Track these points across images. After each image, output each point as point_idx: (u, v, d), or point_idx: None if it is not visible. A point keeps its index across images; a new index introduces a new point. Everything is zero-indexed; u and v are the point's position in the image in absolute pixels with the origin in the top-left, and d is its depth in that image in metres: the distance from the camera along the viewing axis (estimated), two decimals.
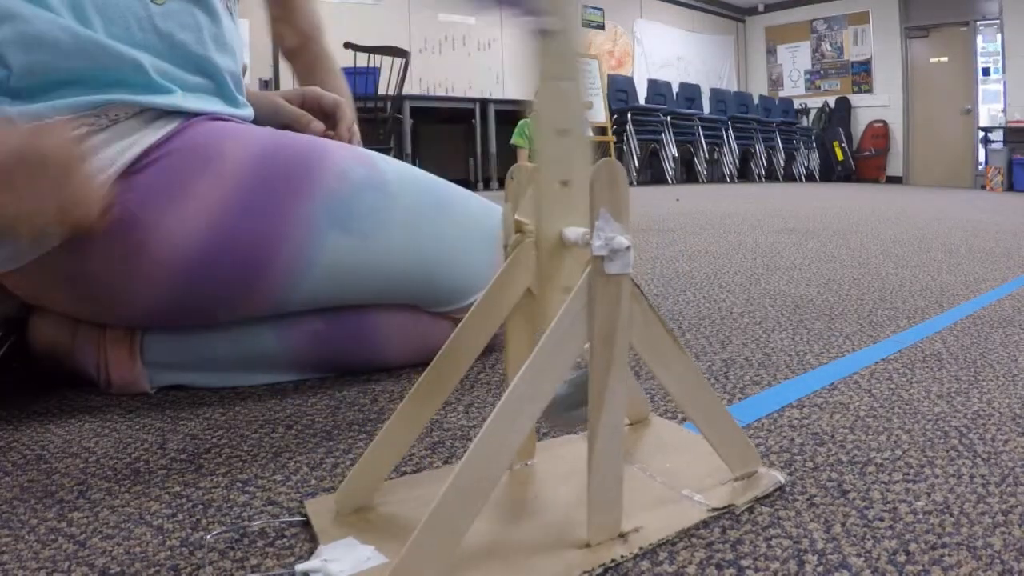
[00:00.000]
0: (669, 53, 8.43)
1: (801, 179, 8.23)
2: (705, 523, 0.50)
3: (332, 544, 0.47)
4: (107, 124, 0.70)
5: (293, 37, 1.06)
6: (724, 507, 0.52)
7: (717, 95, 8.46)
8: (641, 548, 0.47)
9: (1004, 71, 7.41)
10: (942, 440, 0.65)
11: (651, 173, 7.24)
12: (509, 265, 0.52)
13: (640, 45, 8.09)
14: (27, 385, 0.84)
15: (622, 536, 0.48)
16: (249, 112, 0.86)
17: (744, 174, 8.06)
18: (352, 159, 0.81)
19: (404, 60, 3.96)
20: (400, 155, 4.97)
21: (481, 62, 6.67)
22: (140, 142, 0.71)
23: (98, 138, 0.70)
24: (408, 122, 5.19)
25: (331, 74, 1.08)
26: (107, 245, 0.71)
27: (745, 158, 8.04)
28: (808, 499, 0.54)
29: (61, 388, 0.83)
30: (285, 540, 0.49)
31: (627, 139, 6.76)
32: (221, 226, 0.73)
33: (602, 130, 6.18)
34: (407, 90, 4.53)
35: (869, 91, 8.48)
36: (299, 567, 0.44)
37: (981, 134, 7.51)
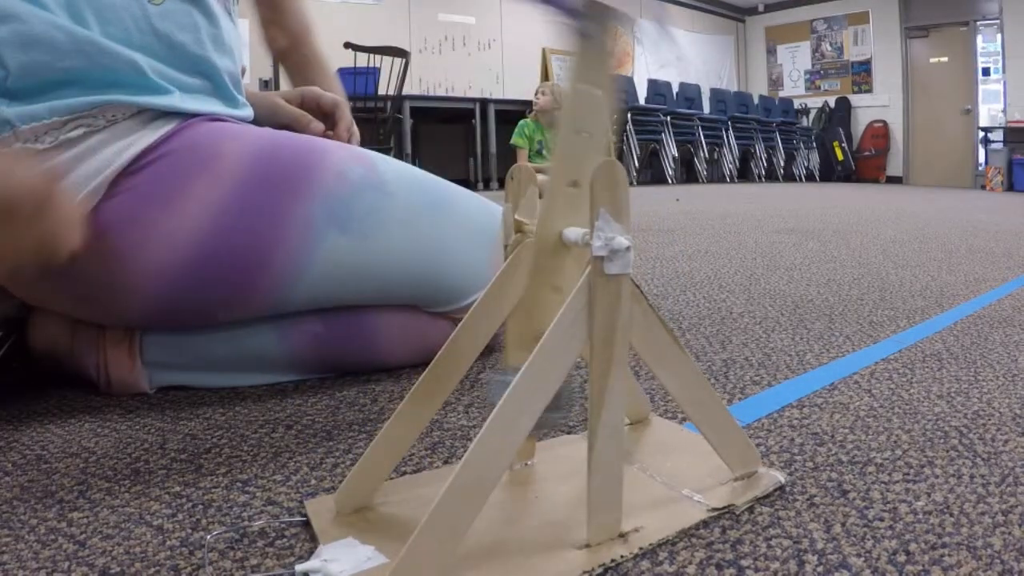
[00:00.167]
0: (669, 53, 8.41)
1: (801, 179, 8.23)
2: (705, 523, 0.50)
3: (332, 544, 0.47)
4: (105, 125, 0.70)
5: (283, 38, 1.06)
6: (724, 507, 0.52)
7: (717, 95, 8.45)
8: (641, 548, 0.47)
9: (1004, 71, 7.41)
10: (942, 440, 0.65)
11: (651, 173, 7.24)
12: (509, 265, 0.52)
13: (640, 45, 8.08)
14: (27, 385, 0.84)
15: (622, 536, 0.48)
16: (249, 112, 0.86)
17: (744, 174, 8.06)
18: (351, 159, 0.81)
19: (404, 60, 3.96)
20: (400, 155, 4.97)
21: (481, 62, 6.67)
22: (138, 143, 0.71)
23: (96, 139, 0.70)
24: (408, 122, 5.19)
25: (323, 74, 1.08)
26: (106, 246, 0.71)
27: (745, 158, 8.04)
28: (808, 499, 0.54)
29: (61, 388, 0.83)
30: (285, 540, 0.49)
31: (627, 139, 6.76)
32: (219, 226, 0.73)
33: None
34: (407, 90, 4.53)
35: (869, 91, 8.48)
36: (299, 567, 0.44)
37: (981, 134, 7.50)
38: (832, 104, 8.67)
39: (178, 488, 0.57)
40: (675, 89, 8.06)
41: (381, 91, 3.97)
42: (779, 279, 1.54)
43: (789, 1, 9.03)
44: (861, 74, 8.55)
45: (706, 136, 7.47)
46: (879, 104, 8.39)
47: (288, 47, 1.07)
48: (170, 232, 0.71)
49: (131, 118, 0.72)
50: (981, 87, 7.75)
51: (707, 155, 7.56)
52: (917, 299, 1.32)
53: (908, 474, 0.58)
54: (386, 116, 4.08)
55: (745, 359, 0.93)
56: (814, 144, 8.52)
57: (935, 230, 2.64)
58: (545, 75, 6.55)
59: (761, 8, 9.26)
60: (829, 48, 8.80)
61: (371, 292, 0.82)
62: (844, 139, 8.39)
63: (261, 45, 1.08)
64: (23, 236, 0.61)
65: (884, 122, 8.35)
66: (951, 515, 0.51)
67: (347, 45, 3.72)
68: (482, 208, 0.89)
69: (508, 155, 5.03)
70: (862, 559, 0.45)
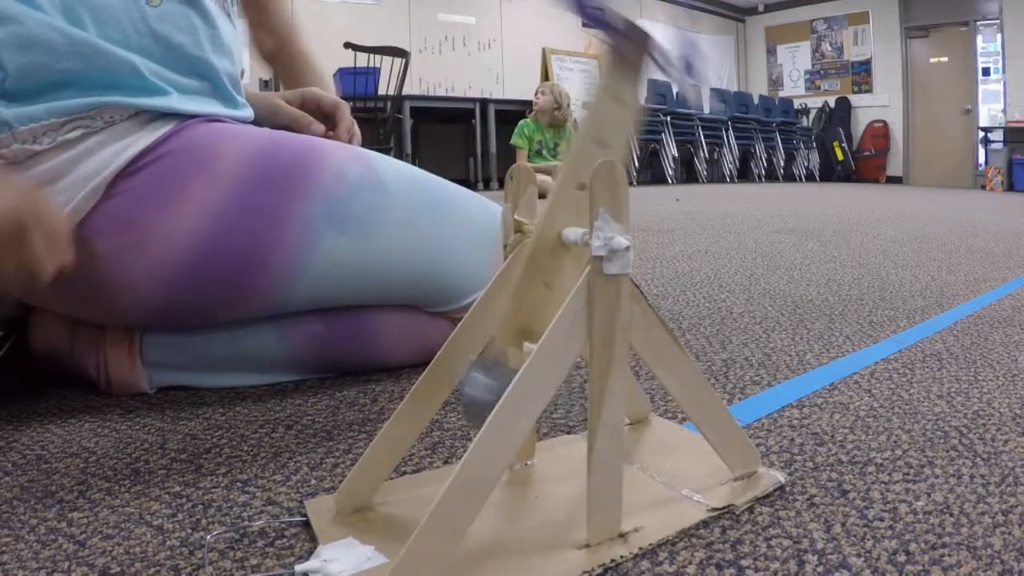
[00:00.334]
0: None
1: (801, 179, 8.23)
2: (705, 523, 0.50)
3: (332, 544, 0.47)
4: (102, 126, 0.70)
5: (269, 40, 1.06)
6: (724, 507, 0.52)
7: (717, 95, 8.45)
8: (641, 548, 0.47)
9: (1004, 71, 7.41)
10: (942, 440, 0.65)
11: (651, 173, 7.24)
12: (508, 265, 0.52)
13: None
14: (27, 385, 0.84)
15: (622, 536, 0.48)
16: (248, 113, 0.86)
17: (744, 174, 8.06)
18: (350, 159, 0.81)
19: (404, 60, 3.96)
20: (400, 155, 4.97)
21: (481, 62, 6.67)
22: (136, 144, 0.71)
23: (94, 140, 0.70)
24: (408, 122, 5.19)
25: (314, 75, 1.08)
26: (104, 246, 0.71)
27: (745, 158, 8.04)
28: (808, 499, 0.54)
29: (61, 388, 0.83)
30: (285, 540, 0.49)
31: None
32: (218, 227, 0.73)
33: None
34: (407, 90, 4.54)
35: (869, 91, 8.48)
36: (299, 567, 0.44)
37: (981, 134, 7.50)
38: (832, 104, 8.67)
39: (178, 488, 0.57)
40: (675, 89, 8.06)
41: (381, 91, 3.97)
42: (779, 279, 1.54)
43: (789, 1, 9.03)
44: (861, 74, 8.55)
45: (706, 136, 7.47)
46: (879, 104, 8.39)
47: (275, 48, 1.07)
48: (169, 233, 0.71)
49: (129, 119, 0.72)
50: (981, 87, 7.75)
51: (707, 155, 7.56)
52: (917, 299, 1.32)
53: (908, 474, 0.58)
54: (386, 116, 4.08)
55: (745, 359, 0.93)
56: (814, 144, 8.52)
57: (935, 230, 2.64)
58: (545, 75, 6.54)
59: (761, 8, 9.26)
60: (829, 48, 8.80)
61: (371, 292, 0.82)
62: (844, 139, 8.39)
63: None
64: (7, 259, 0.60)
65: (884, 122, 8.35)
66: (951, 515, 0.51)
67: (347, 45, 3.72)
68: (482, 208, 0.89)
69: (508, 155, 5.03)
70: (862, 559, 0.45)
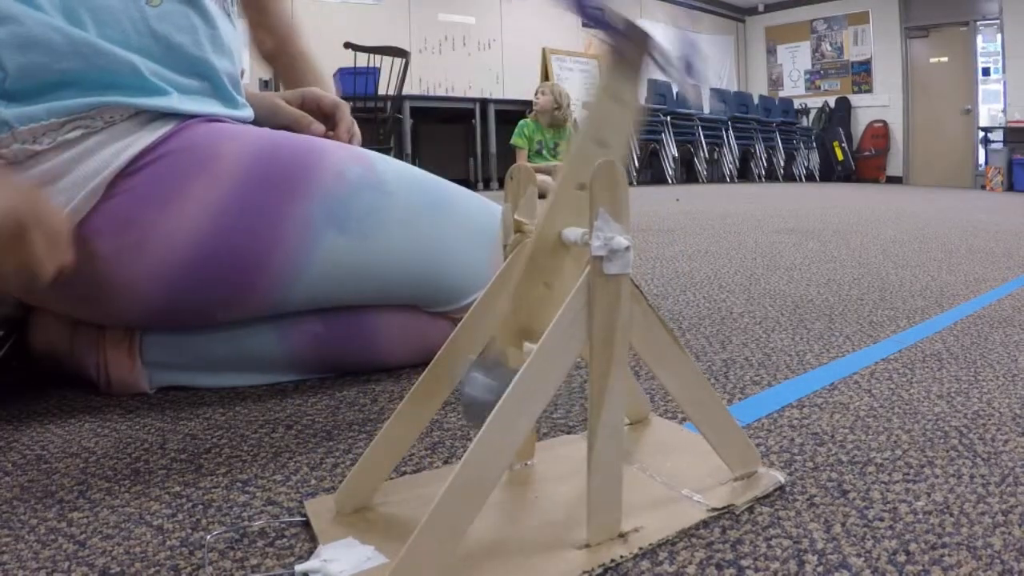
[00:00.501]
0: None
1: (801, 179, 8.22)
2: (705, 523, 0.50)
3: (332, 544, 0.47)
4: (102, 126, 0.70)
5: (269, 40, 1.06)
6: (724, 507, 0.52)
7: (717, 95, 8.45)
8: (641, 548, 0.47)
9: (1004, 71, 7.41)
10: (942, 440, 0.65)
11: (651, 173, 7.24)
12: (508, 265, 0.52)
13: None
14: (27, 385, 0.84)
15: (622, 536, 0.48)
16: (249, 113, 0.86)
17: (744, 174, 8.06)
18: (349, 159, 0.81)
19: (404, 60, 3.96)
20: (400, 155, 4.97)
21: (481, 62, 6.67)
22: (136, 144, 0.71)
23: (94, 140, 0.70)
24: (408, 122, 5.19)
25: (314, 75, 1.08)
26: (104, 246, 0.71)
27: (745, 158, 8.03)
28: (808, 499, 0.54)
29: (61, 388, 0.83)
30: (285, 540, 0.49)
31: None
32: (218, 227, 0.73)
33: None
34: (407, 90, 4.54)
35: (869, 91, 8.48)
36: (299, 567, 0.44)
37: (981, 134, 7.50)
38: (832, 104, 8.67)
39: (178, 488, 0.57)
40: (675, 89, 8.06)
41: (381, 91, 3.97)
42: (779, 279, 1.54)
43: (789, 1, 9.03)
44: (861, 74, 8.55)
45: (706, 136, 7.47)
46: (879, 104, 8.38)
47: (275, 48, 1.07)
48: (168, 233, 0.71)
49: (129, 119, 0.72)
50: (981, 87, 7.75)
51: (707, 155, 7.56)
52: (917, 299, 1.32)
53: (908, 474, 0.58)
54: (386, 116, 4.08)
55: (745, 359, 0.93)
56: (814, 144, 8.52)
57: (935, 230, 2.64)
58: (545, 75, 6.54)
59: (761, 8, 9.26)
60: (829, 48, 8.80)
61: (370, 292, 0.82)
62: (844, 139, 8.39)
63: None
64: (7, 259, 0.60)
65: (884, 122, 8.35)
66: (951, 515, 0.51)
67: (347, 45, 3.72)
68: (482, 208, 0.89)
69: (508, 155, 5.03)
70: (862, 559, 0.45)
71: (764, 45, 9.37)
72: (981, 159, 7.53)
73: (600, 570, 0.45)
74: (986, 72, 7.71)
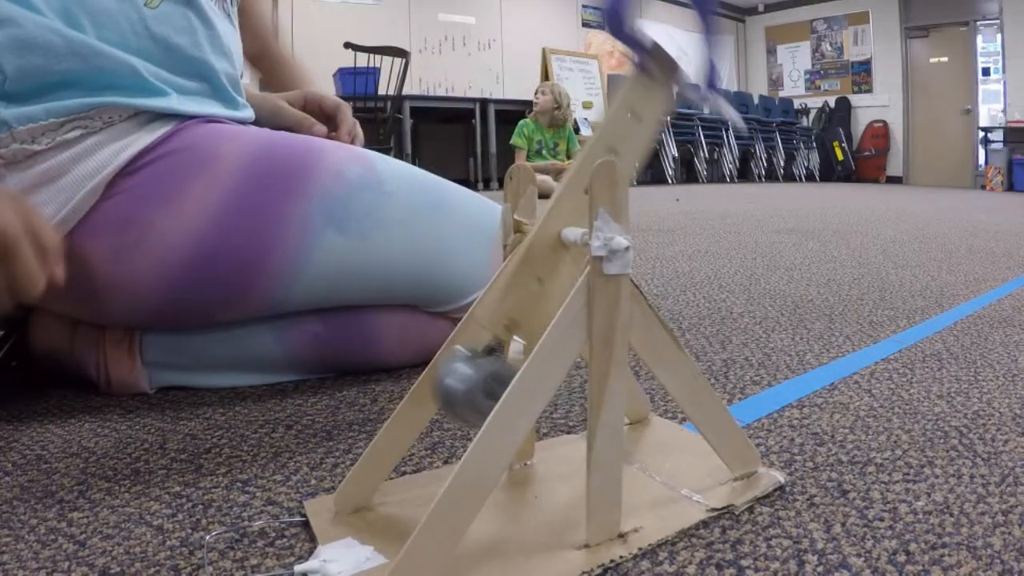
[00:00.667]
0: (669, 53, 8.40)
1: (801, 179, 8.23)
2: (705, 523, 0.50)
3: (331, 544, 0.47)
4: (102, 126, 0.70)
5: (253, 42, 1.06)
6: (724, 507, 0.52)
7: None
8: (641, 548, 0.47)
9: (1004, 71, 7.41)
10: (942, 440, 0.65)
11: (651, 173, 7.24)
12: (507, 264, 0.51)
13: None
14: (27, 385, 0.84)
15: (622, 536, 0.48)
16: (249, 113, 0.86)
17: (744, 174, 8.06)
18: (349, 159, 0.81)
19: (404, 60, 3.96)
20: (400, 155, 4.97)
21: (481, 62, 6.67)
22: (134, 144, 0.71)
23: (93, 140, 0.70)
24: (408, 122, 5.19)
25: (300, 76, 1.08)
26: (103, 246, 0.71)
27: (745, 158, 8.04)
28: (808, 499, 0.54)
29: (61, 388, 0.83)
30: (285, 540, 0.49)
31: None
32: (217, 227, 0.73)
33: None
34: (407, 90, 4.54)
35: (869, 91, 8.48)
36: (298, 567, 0.44)
37: (981, 134, 7.50)
38: (832, 104, 8.67)
39: (178, 488, 0.57)
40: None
41: (381, 91, 3.97)
42: (779, 279, 1.54)
43: (789, 1, 9.03)
44: (861, 74, 8.55)
45: (706, 136, 7.47)
46: (879, 104, 8.39)
47: (260, 51, 1.07)
48: (168, 232, 0.71)
49: (128, 120, 0.72)
50: (981, 87, 7.75)
51: (707, 155, 7.56)
52: (917, 299, 1.32)
53: (908, 474, 0.58)
54: (386, 116, 4.08)
55: (745, 359, 0.93)
56: (814, 144, 8.52)
57: (935, 230, 2.64)
58: (545, 75, 6.54)
59: (761, 8, 9.26)
60: (829, 48, 8.80)
61: (370, 292, 0.82)
62: (844, 139, 8.39)
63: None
64: None
65: (884, 122, 8.35)
66: (951, 515, 0.51)
67: (347, 45, 3.73)
68: (482, 208, 0.89)
69: (508, 155, 5.04)
70: (862, 559, 0.45)
71: (764, 45, 9.37)
72: (981, 159, 7.53)
73: (600, 570, 0.45)
74: (986, 72, 7.71)
